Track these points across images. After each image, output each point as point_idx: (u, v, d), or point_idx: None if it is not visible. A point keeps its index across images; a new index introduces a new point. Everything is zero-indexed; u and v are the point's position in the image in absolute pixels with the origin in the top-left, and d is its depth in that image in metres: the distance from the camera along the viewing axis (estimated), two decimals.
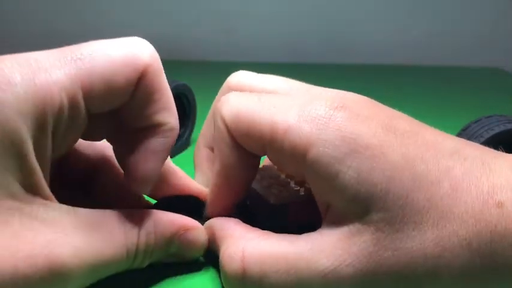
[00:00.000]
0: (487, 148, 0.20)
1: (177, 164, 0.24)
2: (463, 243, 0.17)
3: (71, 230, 0.18)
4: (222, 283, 0.21)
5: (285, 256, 0.19)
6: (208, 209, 0.23)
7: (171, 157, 0.25)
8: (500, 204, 0.18)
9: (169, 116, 0.21)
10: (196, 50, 0.77)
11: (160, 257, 0.21)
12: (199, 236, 0.22)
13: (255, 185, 0.24)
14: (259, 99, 0.21)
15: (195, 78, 0.48)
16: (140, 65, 0.19)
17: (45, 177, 0.18)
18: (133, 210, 0.20)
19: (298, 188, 0.24)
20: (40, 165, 0.17)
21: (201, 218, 0.23)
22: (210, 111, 0.26)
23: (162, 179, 0.23)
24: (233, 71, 0.25)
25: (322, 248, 0.19)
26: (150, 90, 0.20)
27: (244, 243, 0.20)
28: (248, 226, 0.21)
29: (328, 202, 0.19)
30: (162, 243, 0.21)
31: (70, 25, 0.75)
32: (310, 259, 0.18)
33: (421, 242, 0.18)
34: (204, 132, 0.26)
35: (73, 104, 0.18)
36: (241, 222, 0.22)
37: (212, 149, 0.24)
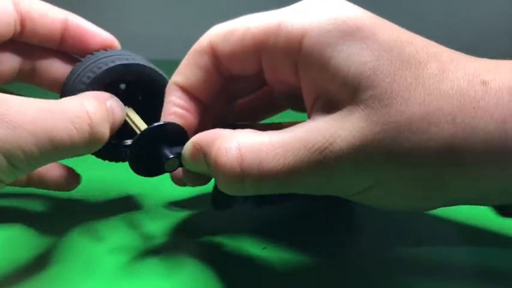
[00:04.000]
0: None
1: None
2: (448, 118, 0.18)
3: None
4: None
5: (281, 141, 0.19)
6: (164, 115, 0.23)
7: None
8: (484, 83, 0.18)
9: None
10: None
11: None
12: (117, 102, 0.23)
13: None
14: (250, 16, 0.22)
15: None
16: None
17: None
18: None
19: None
20: None
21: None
22: (192, 50, 0.23)
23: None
24: None
25: (318, 128, 0.19)
26: None
27: (237, 138, 0.19)
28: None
29: (318, 92, 0.20)
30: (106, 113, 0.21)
31: None
32: (306, 139, 0.19)
33: (408, 116, 0.18)
34: (181, 70, 0.23)
35: None
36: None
37: (185, 90, 0.23)
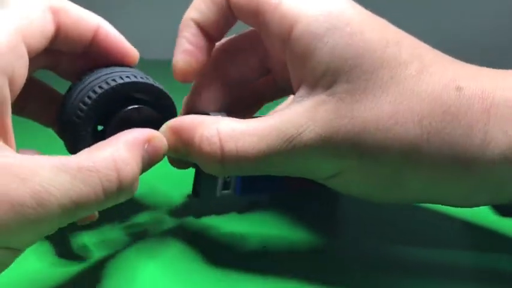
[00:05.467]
0: None
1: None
2: (415, 119, 0.19)
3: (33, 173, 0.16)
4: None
5: (257, 130, 0.20)
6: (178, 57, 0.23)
7: None
8: (459, 88, 0.19)
9: None
10: None
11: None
12: (161, 141, 0.21)
13: None
14: None
15: None
16: None
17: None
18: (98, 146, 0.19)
19: None
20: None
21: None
22: None
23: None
24: None
25: (291, 118, 0.20)
26: None
27: (218, 125, 0.21)
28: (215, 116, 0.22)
29: (301, 79, 0.20)
30: (139, 168, 0.19)
31: None
32: (279, 128, 0.20)
33: (376, 113, 0.19)
34: (196, 5, 0.23)
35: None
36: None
37: (199, 25, 0.23)
